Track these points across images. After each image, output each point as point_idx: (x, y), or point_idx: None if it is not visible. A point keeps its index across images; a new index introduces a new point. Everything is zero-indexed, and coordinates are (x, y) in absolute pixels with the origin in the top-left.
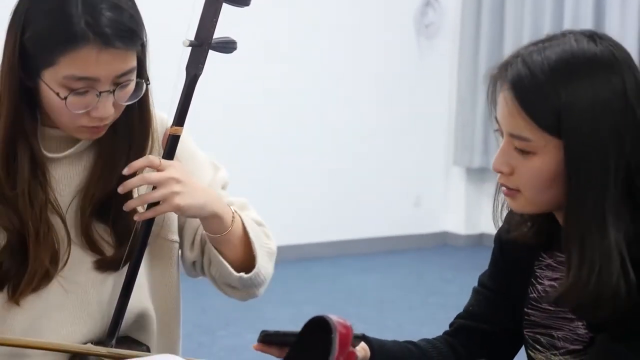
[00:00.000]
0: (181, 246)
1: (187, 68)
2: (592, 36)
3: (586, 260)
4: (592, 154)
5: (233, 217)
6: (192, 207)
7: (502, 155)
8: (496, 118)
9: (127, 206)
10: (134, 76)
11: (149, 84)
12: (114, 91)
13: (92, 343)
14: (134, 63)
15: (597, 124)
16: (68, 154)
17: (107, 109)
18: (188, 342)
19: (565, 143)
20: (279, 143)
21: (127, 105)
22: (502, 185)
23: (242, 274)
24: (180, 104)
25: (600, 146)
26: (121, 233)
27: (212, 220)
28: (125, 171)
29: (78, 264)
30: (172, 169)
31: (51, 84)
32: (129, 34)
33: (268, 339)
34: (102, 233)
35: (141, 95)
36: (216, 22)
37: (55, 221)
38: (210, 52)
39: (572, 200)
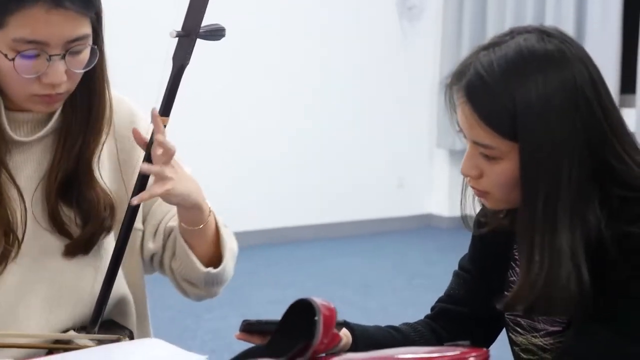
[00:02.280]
0: (142, 237)
1: (174, 58)
2: (541, 34)
3: (535, 262)
4: (544, 155)
5: (210, 210)
6: (180, 195)
7: (469, 160)
8: (457, 122)
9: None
10: (87, 44)
11: (103, 51)
12: (64, 56)
13: (74, 330)
14: (86, 30)
15: (550, 123)
16: (36, 138)
17: (58, 75)
18: (173, 326)
19: (520, 146)
20: (263, 126)
21: (85, 80)
22: (472, 187)
23: (210, 269)
24: (166, 95)
25: (553, 146)
26: (85, 213)
27: (193, 211)
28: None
29: (49, 250)
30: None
31: (1, 46)
32: None
33: (250, 328)
34: (68, 214)
35: (95, 62)
36: (204, 12)
37: (12, 194)
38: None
39: (524, 204)
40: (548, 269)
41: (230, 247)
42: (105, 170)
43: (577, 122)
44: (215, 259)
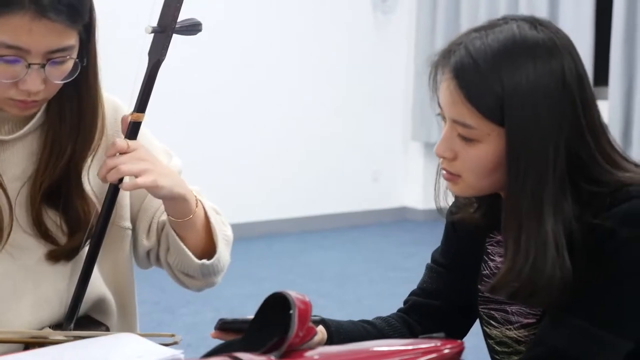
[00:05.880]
0: (136, 234)
1: (150, 54)
2: (534, 23)
3: (521, 249)
4: (532, 141)
5: (197, 201)
6: (165, 187)
7: (445, 141)
8: (439, 103)
9: (101, 174)
10: (71, 55)
11: (85, 64)
12: (44, 66)
13: (50, 327)
14: (71, 42)
15: (538, 111)
16: (17, 136)
17: (35, 84)
18: (149, 320)
19: (507, 131)
20: (240, 121)
21: (74, 89)
22: (443, 169)
23: (204, 260)
24: (141, 91)
25: (540, 133)
26: (72, 221)
27: (179, 203)
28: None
29: (32, 253)
30: (141, 150)
31: None
32: (68, 8)
33: (226, 327)
34: (54, 220)
35: (75, 75)
36: (180, 7)
37: None
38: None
39: (511, 190)
40: (535, 257)
41: (224, 235)
42: (94, 170)
43: (560, 111)
44: (208, 248)
